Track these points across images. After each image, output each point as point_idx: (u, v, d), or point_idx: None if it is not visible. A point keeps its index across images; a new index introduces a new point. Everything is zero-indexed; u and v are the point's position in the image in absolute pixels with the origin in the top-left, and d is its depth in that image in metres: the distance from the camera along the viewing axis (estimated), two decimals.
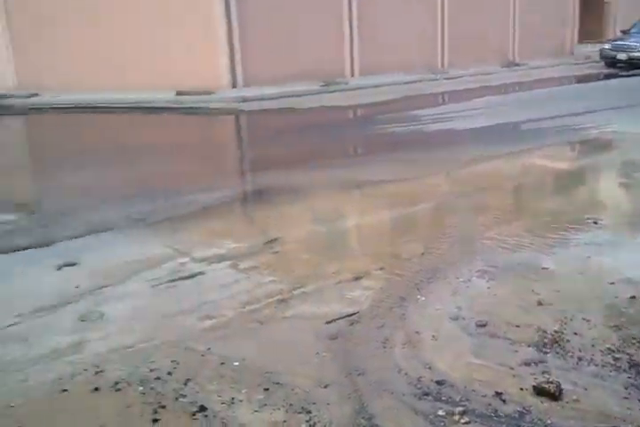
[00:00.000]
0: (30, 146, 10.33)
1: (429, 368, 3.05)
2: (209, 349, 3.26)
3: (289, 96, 12.75)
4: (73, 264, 4.39)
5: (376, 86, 13.94)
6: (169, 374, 3.05)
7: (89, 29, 13.52)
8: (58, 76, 13.49)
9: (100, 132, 10.79)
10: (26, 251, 4.74)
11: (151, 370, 3.08)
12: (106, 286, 4.03)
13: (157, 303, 3.79)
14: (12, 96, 13.18)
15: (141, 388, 2.94)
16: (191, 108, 12.01)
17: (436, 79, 15.38)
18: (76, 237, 4.96)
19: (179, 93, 12.65)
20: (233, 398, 2.84)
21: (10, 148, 9.84)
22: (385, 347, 3.24)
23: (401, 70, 15.48)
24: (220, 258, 4.47)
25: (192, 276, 4.17)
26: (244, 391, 2.90)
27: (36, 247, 4.80)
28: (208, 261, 4.41)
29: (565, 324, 3.45)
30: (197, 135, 9.88)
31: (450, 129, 9.50)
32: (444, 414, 2.74)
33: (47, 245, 4.83)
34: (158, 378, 3.01)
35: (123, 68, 13.35)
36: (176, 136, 9.82)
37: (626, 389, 2.90)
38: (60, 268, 4.36)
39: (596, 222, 4.97)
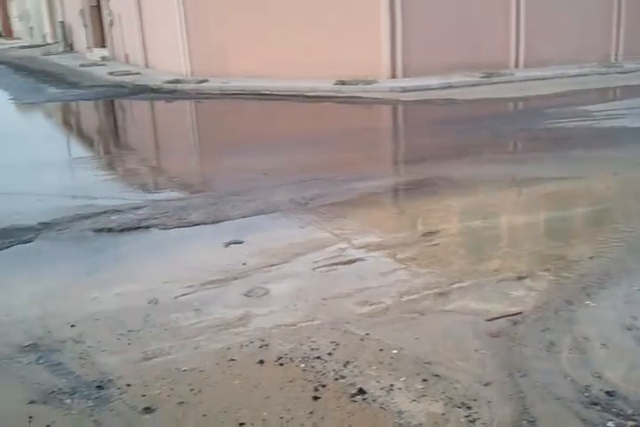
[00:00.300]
0: (199, 129, 10.97)
1: (599, 377, 2.90)
2: (367, 334, 3.31)
3: (449, 87, 12.53)
4: (240, 242, 4.63)
5: (542, 79, 13.32)
6: (329, 354, 3.13)
7: (256, 19, 14.06)
8: (227, 64, 14.19)
9: (263, 118, 11.22)
10: (197, 227, 5.05)
11: (312, 349, 3.19)
12: (271, 266, 4.21)
13: (319, 285, 3.91)
14: (184, 81, 14.04)
15: (303, 365, 3.05)
16: (351, 97, 12.15)
17: (609, 73, 14.43)
18: (243, 217, 5.22)
19: (338, 82, 12.84)
20: (392, 385, 2.87)
21: (181, 130, 10.51)
22: (550, 350, 3.13)
23: (570, 62, 14.69)
24: (379, 246, 4.51)
25: (352, 261, 4.24)
26: (402, 379, 2.92)
27: (206, 224, 5.10)
28: (367, 248, 4.47)
29: None
30: (356, 125, 9.99)
31: (622, 127, 8.89)
32: (613, 426, 2.60)
33: (216, 223, 5.11)
34: (319, 357, 3.11)
35: (287, 56, 13.78)
36: (336, 125, 9.99)
37: None
38: (227, 245, 4.61)
39: None
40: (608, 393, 2.79)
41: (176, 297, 3.82)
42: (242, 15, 14.23)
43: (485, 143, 8.04)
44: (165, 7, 15.44)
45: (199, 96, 13.06)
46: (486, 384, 2.87)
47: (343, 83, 12.80)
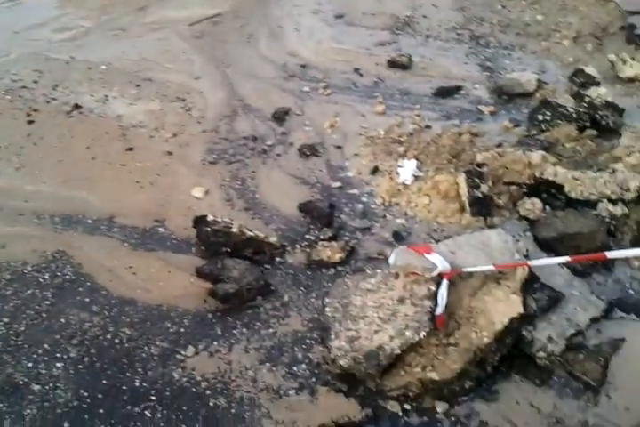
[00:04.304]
0: None
1: (294, 56, 3.20)
2: (72, 57, 3.20)
3: None
4: None
5: None
6: (34, 82, 3.01)
7: None
8: None
9: None
10: None
11: (14, 81, 3.03)
12: None
13: (6, 18, 3.56)
14: None
15: (9, 97, 2.91)
16: None
17: None
18: None
19: None
20: (106, 96, 2.91)
21: None
22: (249, 41, 3.33)
23: None
24: None
25: None
26: (115, 89, 2.96)
27: None
28: None
29: (415, 10, 3.65)
30: None
31: None
32: (308, 89, 2.98)
33: None
34: (24, 87, 2.98)
35: None
36: None
37: (466, 56, 3.24)
38: None
39: None
40: (302, 66, 3.12)
41: None
42: None
43: None
44: None
45: None
46: (197, 78, 3.03)
47: None
